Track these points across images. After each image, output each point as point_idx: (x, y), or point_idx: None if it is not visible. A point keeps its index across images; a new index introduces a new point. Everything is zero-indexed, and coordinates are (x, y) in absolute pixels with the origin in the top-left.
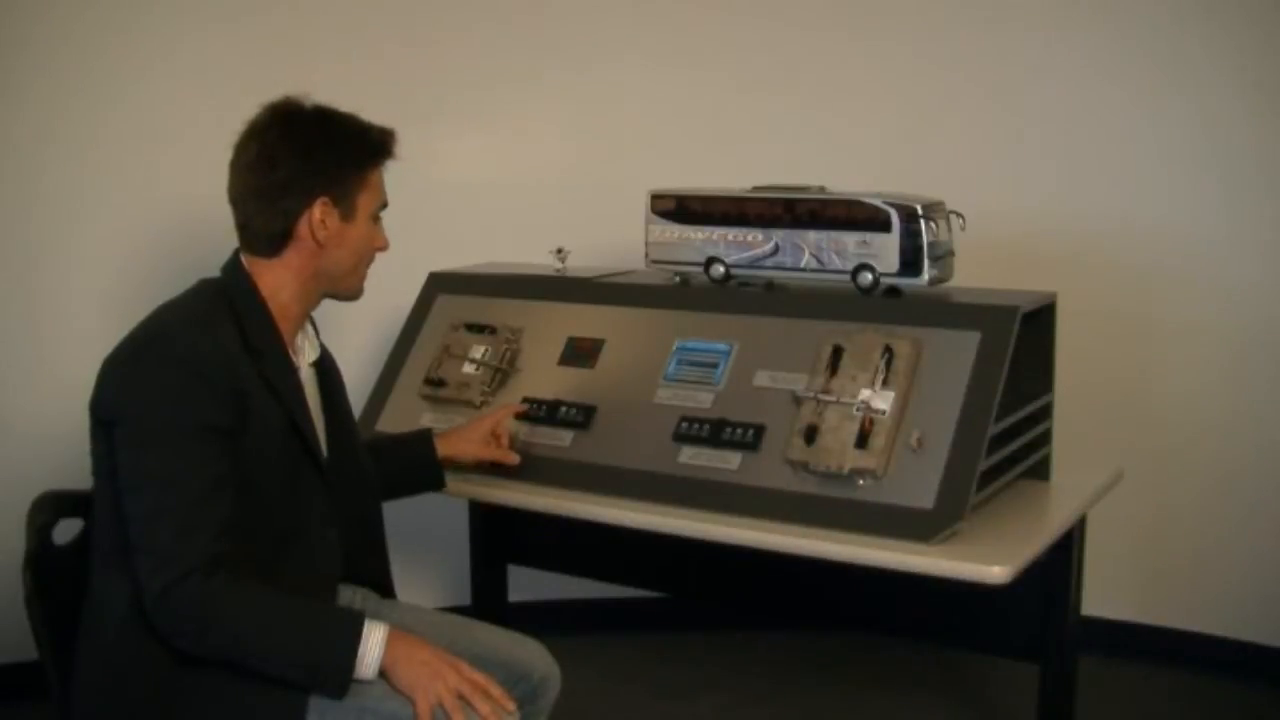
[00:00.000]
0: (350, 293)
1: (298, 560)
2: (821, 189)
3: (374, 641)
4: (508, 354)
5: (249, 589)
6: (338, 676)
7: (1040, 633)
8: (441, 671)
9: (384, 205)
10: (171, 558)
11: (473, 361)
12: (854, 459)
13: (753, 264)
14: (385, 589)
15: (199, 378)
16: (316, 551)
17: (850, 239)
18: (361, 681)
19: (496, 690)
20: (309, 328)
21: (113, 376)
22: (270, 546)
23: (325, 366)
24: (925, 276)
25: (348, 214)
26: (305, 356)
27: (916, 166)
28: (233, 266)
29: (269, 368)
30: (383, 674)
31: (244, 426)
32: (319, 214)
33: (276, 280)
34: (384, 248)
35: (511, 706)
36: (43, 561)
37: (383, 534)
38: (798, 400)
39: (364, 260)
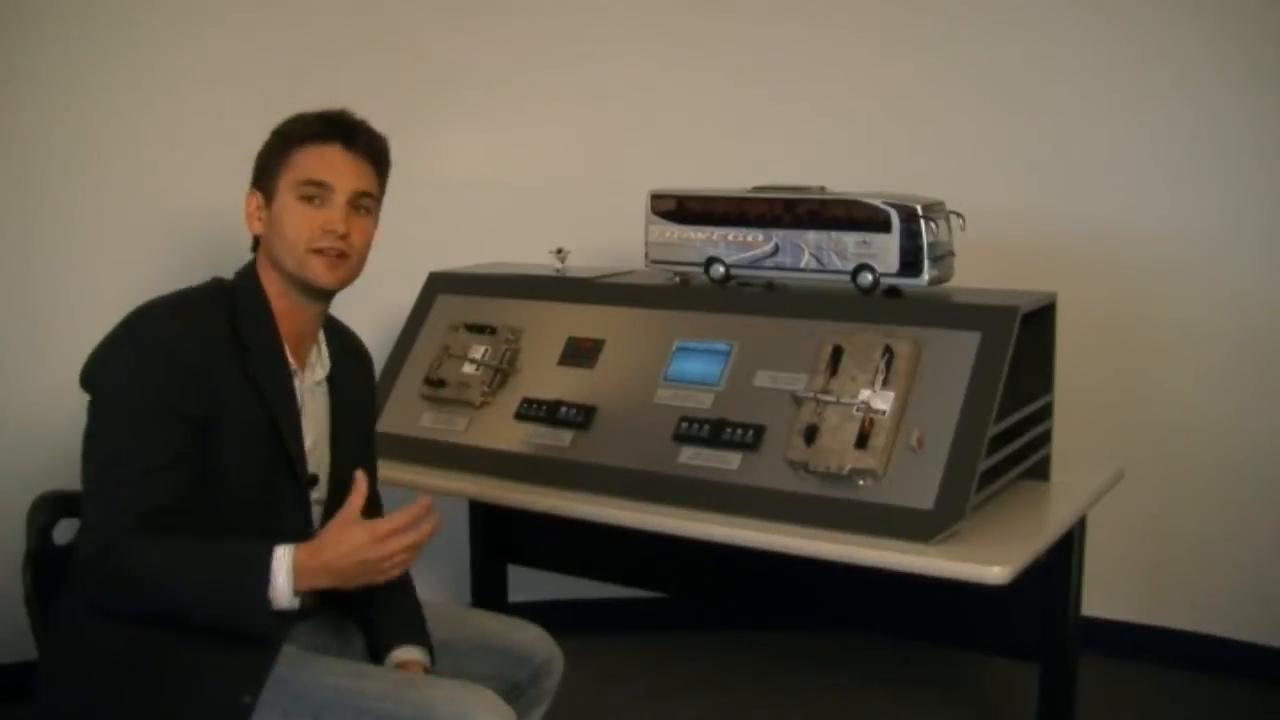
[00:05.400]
0: (301, 276)
1: None
2: (821, 189)
3: (281, 567)
4: (508, 354)
5: (167, 541)
6: (259, 614)
7: (1040, 633)
8: (364, 557)
9: (314, 183)
10: (102, 524)
11: (473, 361)
12: (854, 459)
13: (753, 264)
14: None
15: (169, 361)
16: None
17: (850, 239)
18: (288, 612)
19: (404, 517)
20: (323, 345)
21: (95, 351)
22: None
23: (339, 386)
24: (925, 277)
25: (270, 197)
26: (313, 371)
27: (916, 166)
28: (246, 266)
29: (257, 363)
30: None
31: (213, 417)
32: (252, 205)
33: (267, 278)
34: (312, 225)
35: (428, 501)
36: (43, 561)
37: None
38: (798, 400)
39: (294, 240)
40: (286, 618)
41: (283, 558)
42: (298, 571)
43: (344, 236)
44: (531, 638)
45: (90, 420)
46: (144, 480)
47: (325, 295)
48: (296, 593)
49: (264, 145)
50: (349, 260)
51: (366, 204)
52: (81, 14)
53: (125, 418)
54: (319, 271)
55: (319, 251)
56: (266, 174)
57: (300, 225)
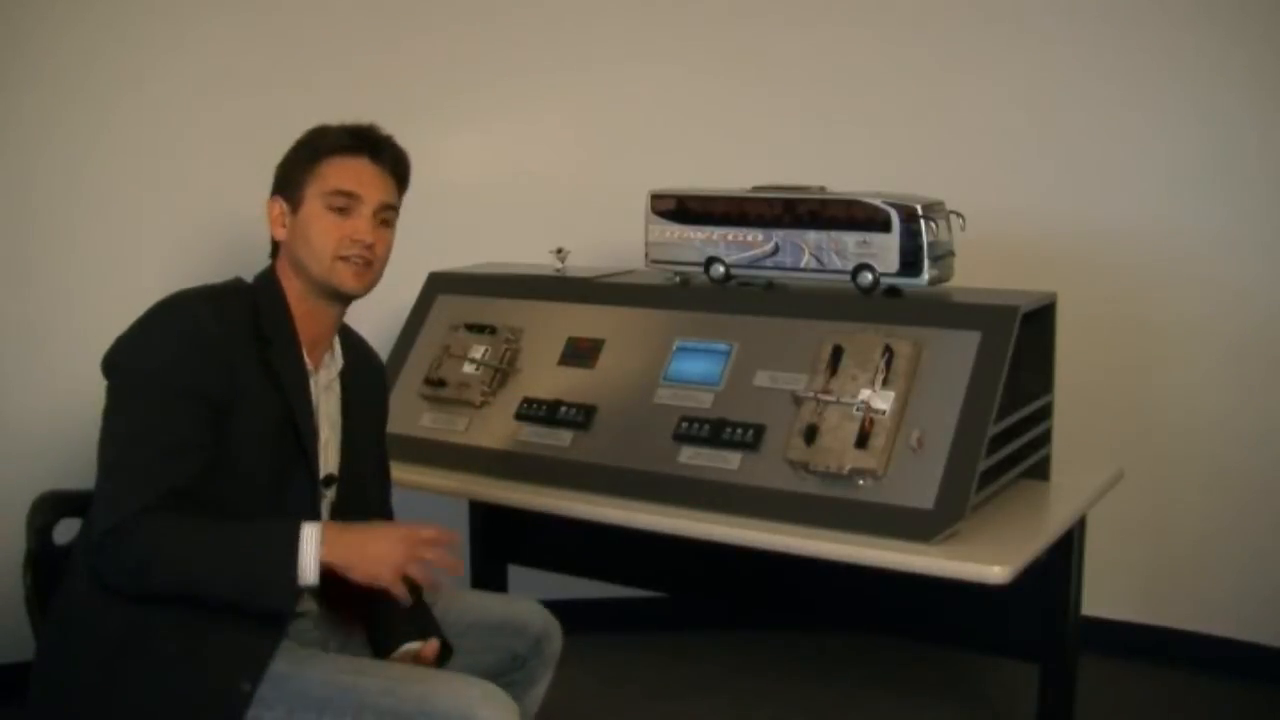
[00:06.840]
0: (328, 282)
1: None
2: (821, 189)
3: (309, 545)
4: (508, 354)
5: (186, 521)
6: (282, 589)
7: (1040, 633)
8: (390, 554)
9: (343, 193)
10: (120, 501)
11: (473, 361)
12: (854, 459)
13: (753, 264)
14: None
15: (192, 344)
16: None
17: (850, 239)
18: (308, 588)
19: (429, 533)
20: (336, 348)
21: (121, 336)
22: None
23: (350, 386)
24: (925, 276)
25: (297, 205)
26: (327, 371)
27: (916, 166)
28: (266, 270)
29: (276, 356)
30: (334, 571)
31: (231, 403)
32: (276, 211)
33: (287, 282)
34: (339, 233)
35: (454, 535)
36: (43, 561)
37: None
38: (798, 400)
39: (321, 247)
40: (298, 599)
41: (311, 530)
42: (325, 541)
43: (370, 246)
44: (527, 608)
45: (111, 401)
46: (164, 458)
47: (346, 300)
48: (322, 563)
49: (288, 155)
50: (373, 269)
51: (389, 216)
52: (82, 14)
53: (149, 396)
54: (345, 277)
55: (345, 259)
56: (292, 183)
57: (328, 234)
